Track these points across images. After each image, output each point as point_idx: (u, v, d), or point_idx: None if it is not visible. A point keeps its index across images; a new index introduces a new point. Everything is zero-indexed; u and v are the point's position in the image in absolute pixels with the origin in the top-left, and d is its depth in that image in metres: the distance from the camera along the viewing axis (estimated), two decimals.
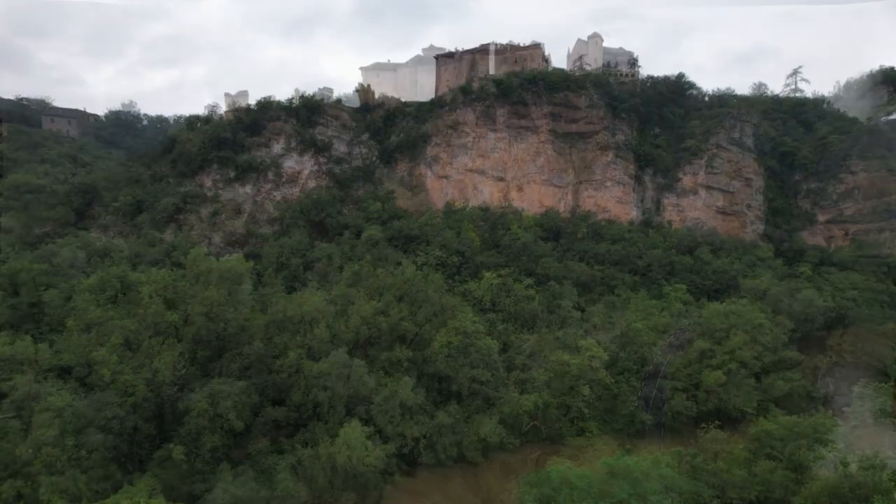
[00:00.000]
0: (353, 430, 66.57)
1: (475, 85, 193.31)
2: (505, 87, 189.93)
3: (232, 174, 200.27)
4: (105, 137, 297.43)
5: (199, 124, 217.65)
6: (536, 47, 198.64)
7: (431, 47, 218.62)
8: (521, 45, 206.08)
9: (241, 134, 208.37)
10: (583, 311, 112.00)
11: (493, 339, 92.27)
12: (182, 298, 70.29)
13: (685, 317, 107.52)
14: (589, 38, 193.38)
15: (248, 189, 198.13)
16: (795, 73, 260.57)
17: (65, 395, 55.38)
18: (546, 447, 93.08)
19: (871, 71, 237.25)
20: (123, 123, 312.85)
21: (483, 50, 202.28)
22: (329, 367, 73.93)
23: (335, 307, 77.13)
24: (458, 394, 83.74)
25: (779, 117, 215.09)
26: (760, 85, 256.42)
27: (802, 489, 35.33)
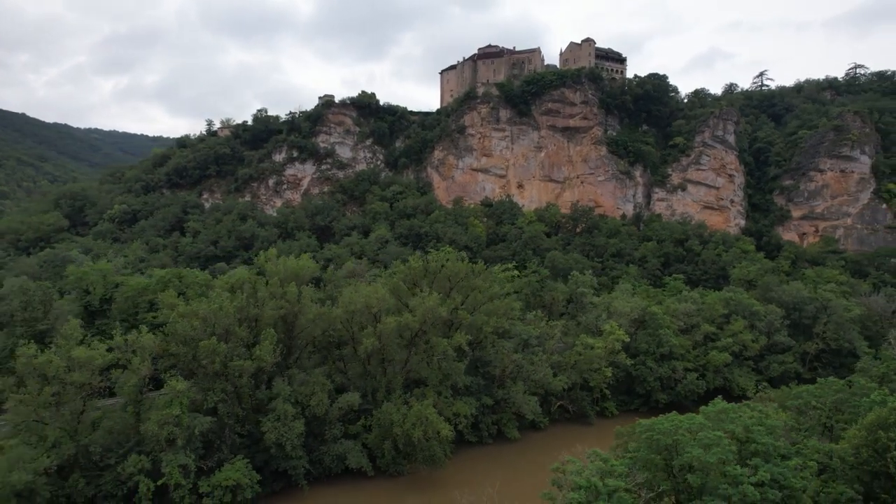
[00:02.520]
0: (426, 409, 73.71)
1: (480, 90, 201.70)
2: (507, 90, 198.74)
3: (232, 185, 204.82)
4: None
5: (197, 143, 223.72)
6: (534, 51, 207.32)
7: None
8: (517, 48, 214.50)
9: (240, 148, 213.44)
10: (598, 296, 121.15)
11: (529, 326, 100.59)
12: (253, 294, 75.79)
13: (693, 303, 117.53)
14: (582, 41, 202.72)
15: (249, 198, 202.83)
16: (762, 74, 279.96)
17: (181, 381, 60.72)
18: (572, 427, 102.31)
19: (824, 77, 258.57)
20: None
21: (484, 55, 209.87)
22: (392, 353, 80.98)
23: (395, 299, 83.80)
24: (500, 376, 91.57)
25: (751, 112, 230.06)
26: (732, 85, 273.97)
27: (856, 422, 44.53)
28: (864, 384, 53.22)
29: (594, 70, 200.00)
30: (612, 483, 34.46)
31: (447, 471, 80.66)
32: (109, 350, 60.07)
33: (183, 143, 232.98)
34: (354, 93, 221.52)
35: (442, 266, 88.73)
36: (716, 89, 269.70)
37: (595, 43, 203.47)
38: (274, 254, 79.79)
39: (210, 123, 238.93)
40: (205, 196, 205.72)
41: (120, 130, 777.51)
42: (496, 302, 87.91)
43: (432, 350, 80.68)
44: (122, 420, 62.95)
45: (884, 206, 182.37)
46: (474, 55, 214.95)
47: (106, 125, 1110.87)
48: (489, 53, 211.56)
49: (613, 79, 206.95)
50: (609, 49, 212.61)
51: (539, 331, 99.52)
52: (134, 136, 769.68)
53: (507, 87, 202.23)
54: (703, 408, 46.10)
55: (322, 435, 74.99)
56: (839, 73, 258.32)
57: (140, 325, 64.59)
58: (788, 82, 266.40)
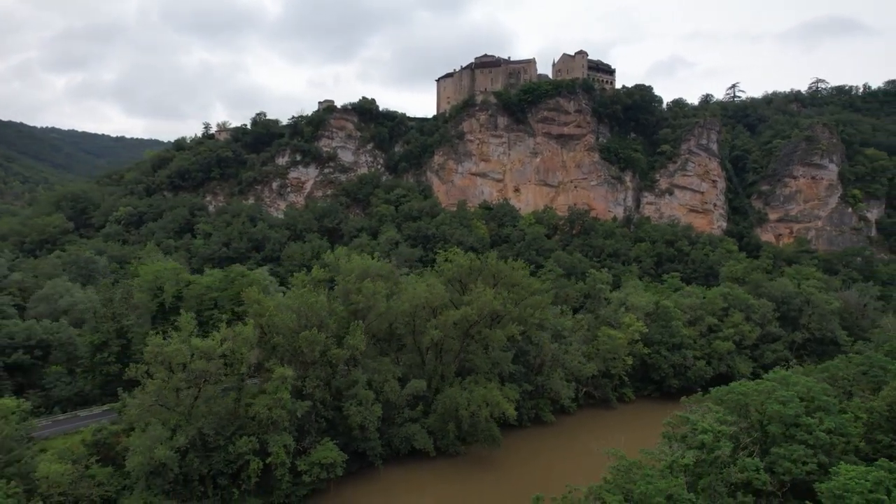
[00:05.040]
0: (491, 392, 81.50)
1: (479, 98, 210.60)
2: (505, 98, 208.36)
3: (236, 188, 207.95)
4: None
5: (195, 145, 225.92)
6: (529, 61, 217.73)
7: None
8: (511, 58, 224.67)
9: (240, 151, 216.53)
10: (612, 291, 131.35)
11: (560, 318, 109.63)
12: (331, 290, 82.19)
13: (697, 298, 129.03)
14: (576, 53, 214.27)
15: (253, 200, 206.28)
16: (734, 86, 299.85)
17: (287, 368, 66.65)
18: (597, 411, 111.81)
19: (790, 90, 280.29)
20: None
21: (481, 64, 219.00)
22: (449, 344, 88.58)
23: (450, 294, 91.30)
24: (539, 365, 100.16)
25: (727, 121, 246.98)
26: (708, 95, 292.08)
27: (878, 388, 54.78)
28: (881, 358, 64.16)
29: (587, 81, 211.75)
30: (725, 429, 43.27)
31: (501, 451, 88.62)
32: (222, 342, 65.42)
33: (180, 145, 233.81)
34: (324, 94, 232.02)
35: (485, 264, 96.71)
36: (677, 95, 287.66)
37: (587, 55, 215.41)
38: (342, 252, 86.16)
39: (207, 126, 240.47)
40: (208, 198, 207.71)
41: (79, 130, 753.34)
42: (537, 297, 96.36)
43: (486, 341, 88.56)
44: (225, 405, 68.45)
45: (849, 209, 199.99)
46: (471, 64, 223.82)
47: (59, 123, 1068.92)
48: (486, 63, 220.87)
49: (604, 89, 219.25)
50: (599, 61, 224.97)
51: (571, 323, 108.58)
52: (95, 135, 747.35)
53: (505, 95, 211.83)
54: (766, 375, 55.66)
55: (392, 419, 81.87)
56: (797, 85, 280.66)
57: (246, 319, 69.99)
58: (750, 91, 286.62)
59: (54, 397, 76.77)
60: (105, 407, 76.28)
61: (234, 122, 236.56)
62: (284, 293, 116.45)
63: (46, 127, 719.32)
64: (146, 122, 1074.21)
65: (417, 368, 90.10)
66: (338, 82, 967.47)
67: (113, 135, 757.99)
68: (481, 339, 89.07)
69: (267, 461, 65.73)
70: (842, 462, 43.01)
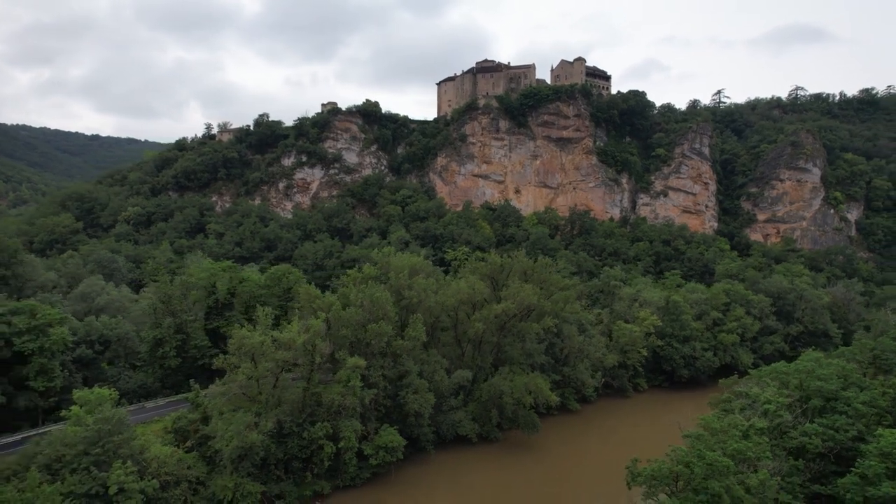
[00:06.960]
0: (533, 379, 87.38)
1: (481, 102, 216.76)
2: (506, 102, 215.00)
3: (242, 188, 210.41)
4: None
5: (198, 146, 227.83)
6: (529, 67, 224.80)
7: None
8: (510, 63, 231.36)
9: (245, 152, 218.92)
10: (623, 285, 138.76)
11: (583, 312, 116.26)
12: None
13: (702, 293, 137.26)
14: (574, 60, 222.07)
15: (259, 200, 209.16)
16: (719, 92, 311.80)
17: (359, 359, 71.30)
18: (615, 400, 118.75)
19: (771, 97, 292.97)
20: None
21: (483, 69, 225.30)
22: (488, 336, 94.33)
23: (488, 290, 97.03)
24: (566, 356, 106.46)
25: (716, 126, 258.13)
26: (695, 101, 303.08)
27: (890, 370, 62.68)
28: (891, 344, 72.14)
29: (585, 86, 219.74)
30: (783, 400, 49.96)
31: (536, 437, 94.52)
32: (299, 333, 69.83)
33: (182, 145, 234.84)
34: (301, 93, 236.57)
35: (515, 262, 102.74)
36: (652, 98, 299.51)
37: (585, 61, 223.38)
38: (391, 251, 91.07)
39: (209, 127, 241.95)
40: (214, 199, 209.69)
41: (51, 127, 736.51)
42: (566, 292, 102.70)
43: (521, 333, 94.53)
44: (296, 394, 72.89)
45: (832, 211, 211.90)
46: (473, 68, 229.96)
47: (24, 120, 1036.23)
48: (487, 67, 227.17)
49: (601, 94, 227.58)
50: (595, 67, 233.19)
51: (592, 317, 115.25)
52: (68, 133, 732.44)
53: (507, 99, 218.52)
54: (801, 356, 62.84)
55: (440, 406, 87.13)
56: (768, 89, 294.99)
57: (319, 313, 74.48)
58: (727, 95, 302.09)
59: (119, 389, 79.92)
60: (177, 397, 79.84)
61: (210, 120, 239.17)
62: None
63: (17, 124, 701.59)
64: (117, 120, 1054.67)
65: (457, 360, 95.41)
66: (315, 81, 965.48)
67: (85, 132, 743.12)
68: (517, 331, 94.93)
69: (339, 446, 70.45)
70: (879, 429, 50.04)
